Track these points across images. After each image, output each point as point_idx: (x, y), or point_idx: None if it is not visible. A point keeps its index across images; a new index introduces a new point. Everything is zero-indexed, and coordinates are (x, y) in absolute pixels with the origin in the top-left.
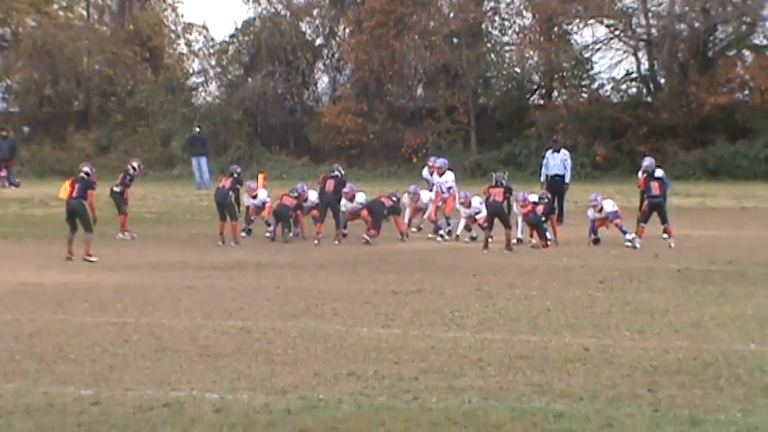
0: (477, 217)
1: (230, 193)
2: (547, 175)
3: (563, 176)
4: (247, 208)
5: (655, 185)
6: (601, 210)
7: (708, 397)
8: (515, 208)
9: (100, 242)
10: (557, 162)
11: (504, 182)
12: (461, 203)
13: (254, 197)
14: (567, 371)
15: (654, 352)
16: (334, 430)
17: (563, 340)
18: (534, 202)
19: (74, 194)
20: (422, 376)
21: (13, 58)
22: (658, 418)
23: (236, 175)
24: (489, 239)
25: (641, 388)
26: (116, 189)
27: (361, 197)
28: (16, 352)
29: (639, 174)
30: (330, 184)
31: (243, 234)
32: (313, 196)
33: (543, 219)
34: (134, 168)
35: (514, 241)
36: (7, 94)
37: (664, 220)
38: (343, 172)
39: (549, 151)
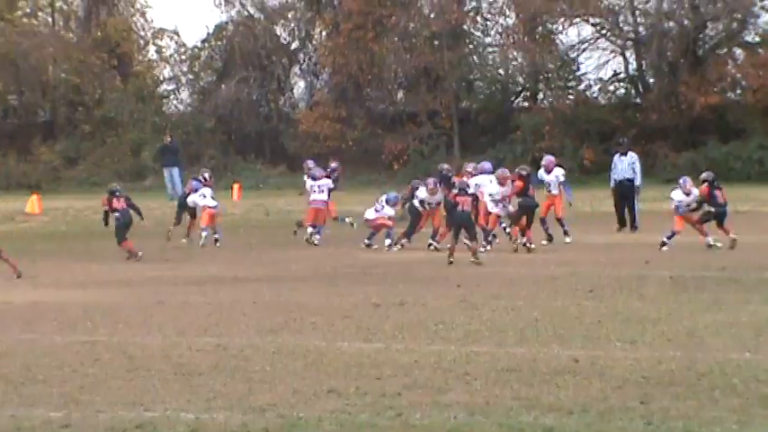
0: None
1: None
2: (615, 180)
3: (632, 180)
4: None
5: (719, 194)
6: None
7: (702, 408)
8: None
9: (68, 258)
10: (624, 166)
11: (468, 188)
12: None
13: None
14: (557, 384)
15: (646, 363)
16: None
17: (552, 352)
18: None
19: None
20: (405, 392)
21: None
22: (651, 431)
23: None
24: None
25: (633, 400)
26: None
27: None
28: None
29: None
30: None
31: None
32: None
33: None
34: (204, 179)
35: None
36: None
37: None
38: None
39: (617, 155)
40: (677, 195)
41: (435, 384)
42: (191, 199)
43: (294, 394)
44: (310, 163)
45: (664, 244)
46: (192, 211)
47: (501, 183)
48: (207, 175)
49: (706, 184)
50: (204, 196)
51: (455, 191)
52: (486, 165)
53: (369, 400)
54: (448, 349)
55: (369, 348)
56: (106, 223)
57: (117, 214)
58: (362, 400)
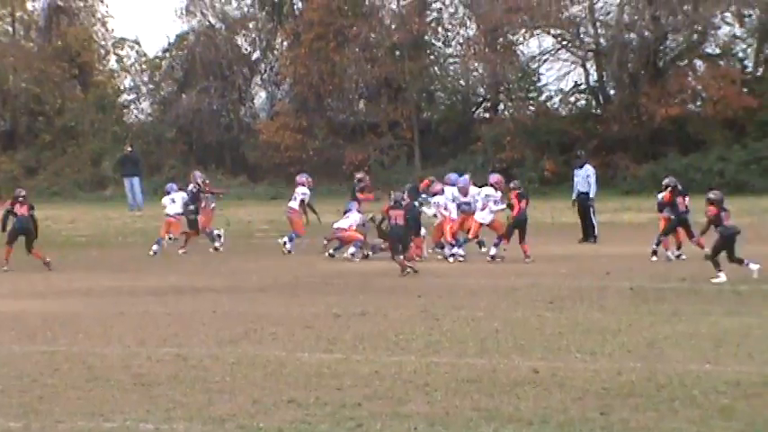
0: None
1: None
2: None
3: (587, 193)
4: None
5: (680, 201)
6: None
7: (662, 420)
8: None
9: (28, 268)
10: (580, 179)
11: (403, 201)
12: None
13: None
14: (517, 395)
15: (606, 374)
16: None
17: (512, 363)
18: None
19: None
20: (365, 402)
21: None
22: None
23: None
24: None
25: (593, 411)
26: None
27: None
28: None
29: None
30: None
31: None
32: None
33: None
34: (198, 185)
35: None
36: None
37: (691, 234)
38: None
39: (575, 168)
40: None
41: (395, 395)
42: (164, 200)
43: (254, 404)
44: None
45: (654, 252)
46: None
47: (498, 189)
48: (200, 180)
49: (669, 189)
50: (174, 201)
51: (390, 203)
52: (453, 176)
53: (329, 411)
54: (408, 360)
55: (329, 359)
56: (3, 228)
57: (15, 219)
58: (322, 410)
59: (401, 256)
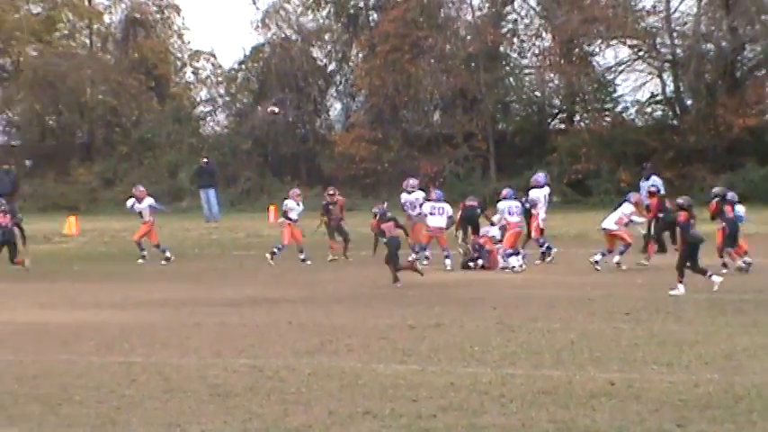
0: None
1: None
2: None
3: None
4: None
5: (728, 209)
6: None
7: (740, 431)
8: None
9: (105, 279)
10: (645, 191)
11: (388, 213)
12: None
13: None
14: (593, 406)
15: (683, 385)
16: None
17: (588, 375)
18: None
19: None
20: (441, 414)
21: (14, 90)
22: None
23: None
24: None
25: (670, 423)
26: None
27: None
28: (20, 395)
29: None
30: None
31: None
32: None
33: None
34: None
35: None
36: (8, 126)
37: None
38: None
39: (642, 181)
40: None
41: (471, 406)
42: (144, 204)
43: (330, 416)
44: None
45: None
46: None
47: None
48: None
49: (716, 199)
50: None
51: (377, 217)
52: (540, 177)
53: (404, 422)
54: (484, 371)
55: (404, 370)
56: None
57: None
58: (398, 422)
59: (399, 266)
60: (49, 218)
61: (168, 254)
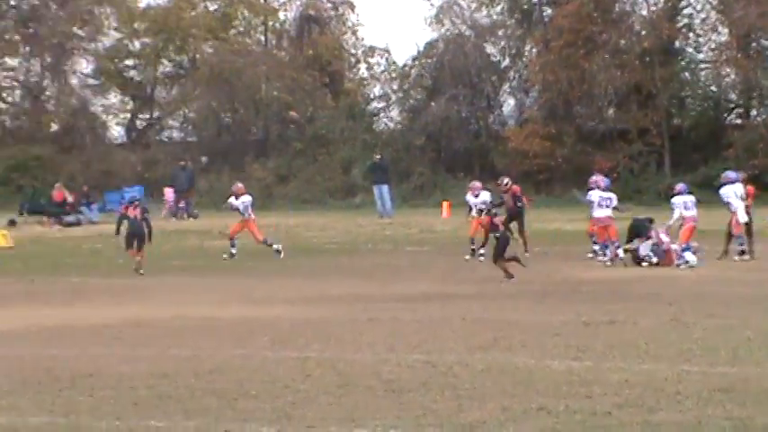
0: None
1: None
2: None
3: None
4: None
5: None
6: None
7: None
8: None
9: (279, 274)
10: None
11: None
12: None
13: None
14: None
15: None
16: None
17: (765, 372)
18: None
19: None
20: (616, 411)
21: (191, 87)
22: None
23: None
24: None
25: None
26: None
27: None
28: (196, 389)
29: None
30: None
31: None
32: None
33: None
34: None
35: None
36: (185, 123)
37: None
38: None
39: None
40: None
41: (646, 403)
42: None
43: (504, 412)
44: (478, 184)
45: None
46: None
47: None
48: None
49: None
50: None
51: (485, 212)
52: (731, 174)
53: (579, 419)
54: (659, 368)
55: (578, 367)
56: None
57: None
58: (572, 418)
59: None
60: (224, 214)
61: (278, 246)
